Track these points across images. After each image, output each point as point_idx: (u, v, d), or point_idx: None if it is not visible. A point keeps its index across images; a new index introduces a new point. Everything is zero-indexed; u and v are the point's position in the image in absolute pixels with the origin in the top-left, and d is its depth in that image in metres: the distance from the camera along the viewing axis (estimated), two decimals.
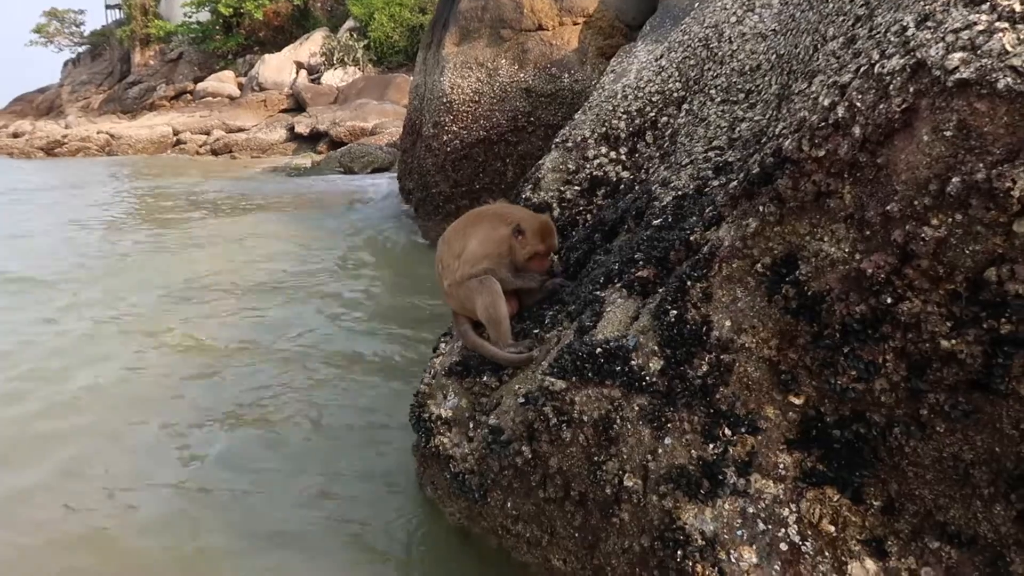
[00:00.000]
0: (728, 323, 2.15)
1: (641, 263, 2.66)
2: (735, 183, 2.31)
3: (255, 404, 4.23)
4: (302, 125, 23.83)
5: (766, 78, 3.37)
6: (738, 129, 3.27)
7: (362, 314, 5.86)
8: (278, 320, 5.67)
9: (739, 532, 1.99)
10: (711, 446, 2.11)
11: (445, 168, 8.37)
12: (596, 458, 2.31)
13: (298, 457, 3.68)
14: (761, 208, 2.09)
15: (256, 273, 7.06)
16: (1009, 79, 1.61)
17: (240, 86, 28.69)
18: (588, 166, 4.06)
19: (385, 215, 10.51)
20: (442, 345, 3.41)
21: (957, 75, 1.69)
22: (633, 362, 2.31)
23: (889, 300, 1.81)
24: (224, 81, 29.09)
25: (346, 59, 27.78)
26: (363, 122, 22.28)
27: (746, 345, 2.11)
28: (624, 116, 4.09)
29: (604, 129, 4.13)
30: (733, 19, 3.81)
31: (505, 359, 2.89)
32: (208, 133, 25.21)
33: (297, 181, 15.56)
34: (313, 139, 23.35)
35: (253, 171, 18.00)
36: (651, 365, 2.28)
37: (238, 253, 7.94)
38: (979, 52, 1.69)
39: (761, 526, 1.98)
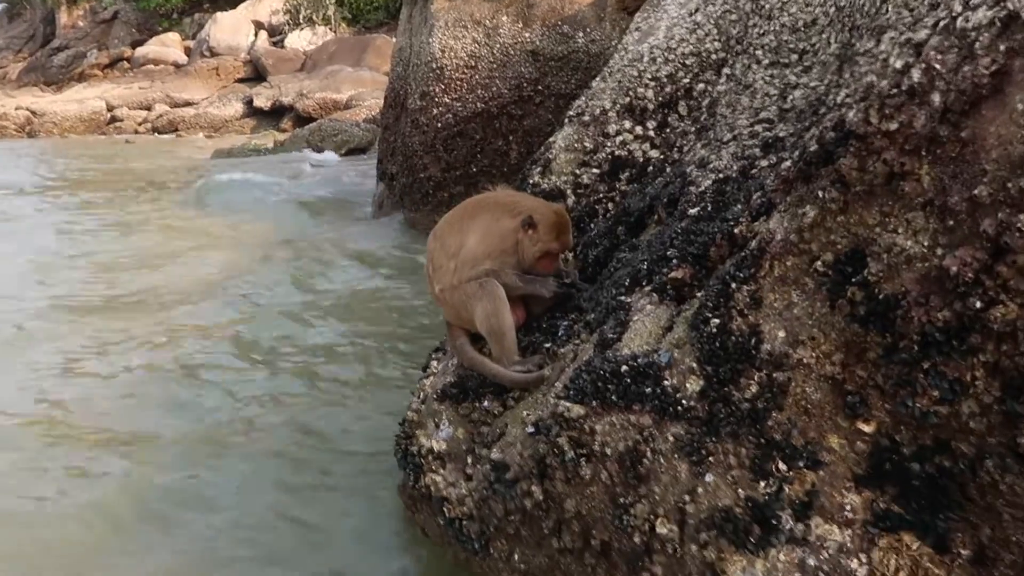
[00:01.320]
0: (782, 334, 2.15)
1: (675, 261, 2.65)
2: (788, 163, 2.30)
3: (214, 426, 4.45)
4: (262, 98, 23.92)
5: (823, 35, 3.37)
6: (790, 98, 3.27)
7: (332, 327, 5.98)
8: (228, 336, 5.85)
9: None
10: (762, 484, 2.11)
11: (435, 148, 8.39)
12: (622, 500, 2.31)
13: (260, 499, 3.75)
14: (820, 193, 2.08)
15: (201, 288, 7.11)
16: None
17: (187, 51, 28.86)
18: (609, 144, 4.09)
19: (363, 202, 10.64)
20: (433, 363, 3.42)
21: None
22: (666, 382, 2.31)
23: (978, 304, 1.81)
24: (168, 45, 29.27)
25: (315, 17, 27.92)
26: (335, 93, 22.35)
27: (804, 361, 2.10)
28: (652, 83, 4.11)
29: (628, 99, 4.14)
30: None
31: (510, 379, 2.89)
32: (149, 108, 25.34)
33: (252, 165, 15.63)
34: (276, 114, 23.42)
35: (203, 155, 18.08)
36: (688, 386, 2.27)
37: (178, 268, 7.93)
38: None
39: None
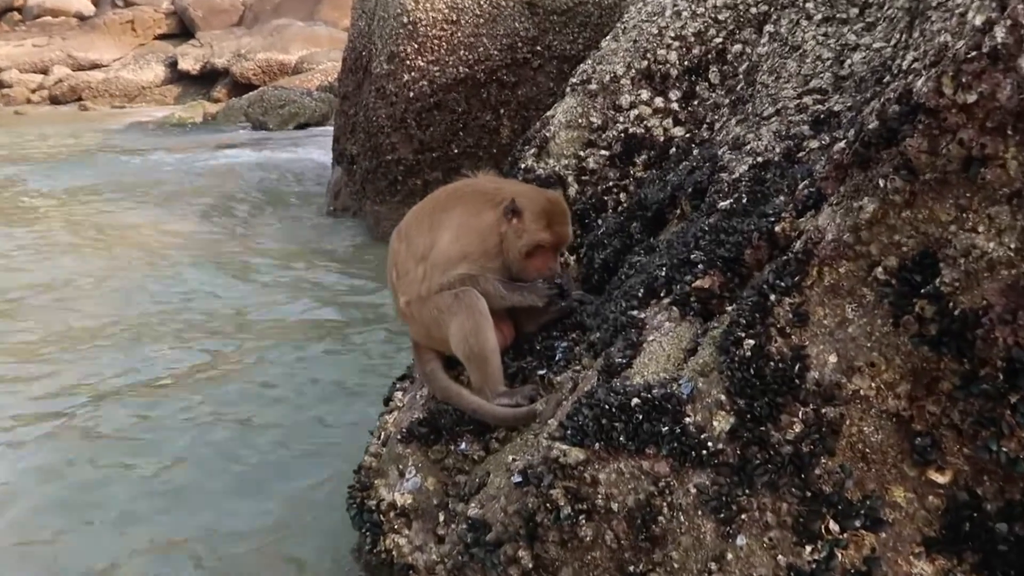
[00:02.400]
0: (833, 359, 2.15)
1: (701, 267, 2.66)
2: (843, 144, 2.31)
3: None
4: (189, 59, 23.97)
5: None
6: (848, 62, 3.29)
7: (269, 359, 6.03)
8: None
9: None
10: (808, 549, 2.11)
11: (406, 123, 8.40)
12: (632, 568, 2.30)
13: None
14: (882, 182, 2.08)
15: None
16: None
17: (95, 1, 28.89)
18: (622, 120, 4.08)
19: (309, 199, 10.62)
20: (397, 395, 3.41)
21: None
22: (688, 419, 2.31)
23: None
24: None
25: None
26: (282, 54, 22.42)
27: (861, 392, 2.10)
28: (676, 44, 4.11)
29: (646, 64, 4.14)
30: None
31: (494, 415, 2.90)
32: (46, 71, 25.36)
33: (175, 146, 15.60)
34: (206, 80, 23.47)
35: (113, 131, 18.06)
36: (716, 424, 2.27)
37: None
38: None
39: None
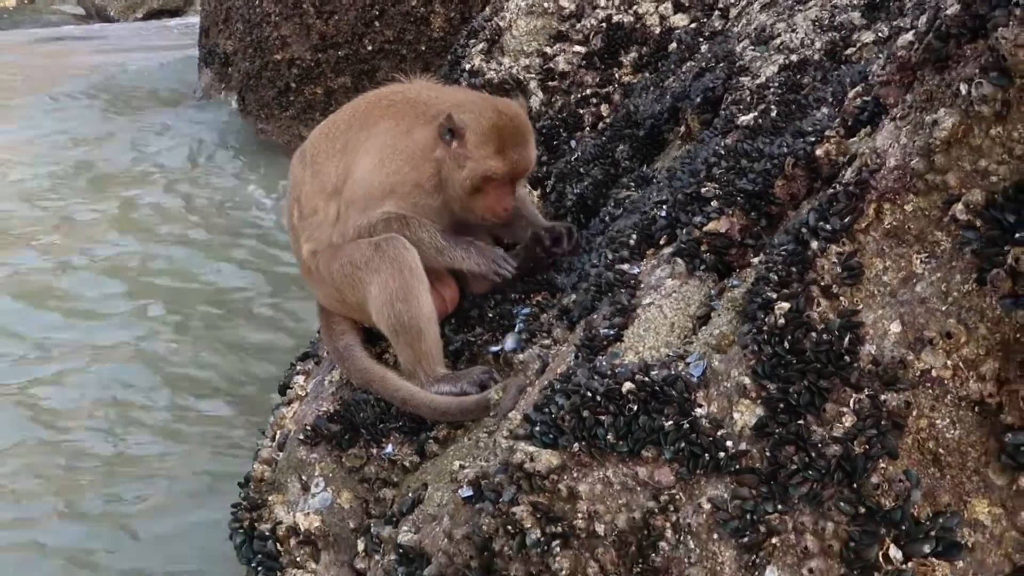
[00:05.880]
0: (896, 328, 2.16)
1: (715, 204, 2.65)
2: (910, 36, 2.29)
3: None
4: None
5: None
6: None
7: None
8: None
9: None
10: None
11: (302, 8, 8.34)
12: None
13: None
14: (964, 88, 2.08)
15: None
16: None
17: None
18: (603, 3, 4.10)
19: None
20: (297, 379, 3.42)
21: None
22: (700, 411, 2.31)
23: None
24: None
25: None
26: None
27: (933, 373, 2.11)
28: None
29: None
30: None
31: (431, 406, 2.92)
32: None
33: None
34: None
35: None
36: (737, 417, 2.28)
37: None
38: None
39: None
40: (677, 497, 2.29)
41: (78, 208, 8.16)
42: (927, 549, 2.09)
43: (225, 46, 9.42)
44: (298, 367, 3.51)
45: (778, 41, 3.18)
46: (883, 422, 2.14)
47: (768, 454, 2.23)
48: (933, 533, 2.09)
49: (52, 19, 16.67)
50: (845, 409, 2.18)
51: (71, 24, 16.35)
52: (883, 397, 2.15)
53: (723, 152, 2.81)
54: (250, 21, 8.72)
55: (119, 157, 9.34)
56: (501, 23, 4.17)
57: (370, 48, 8.28)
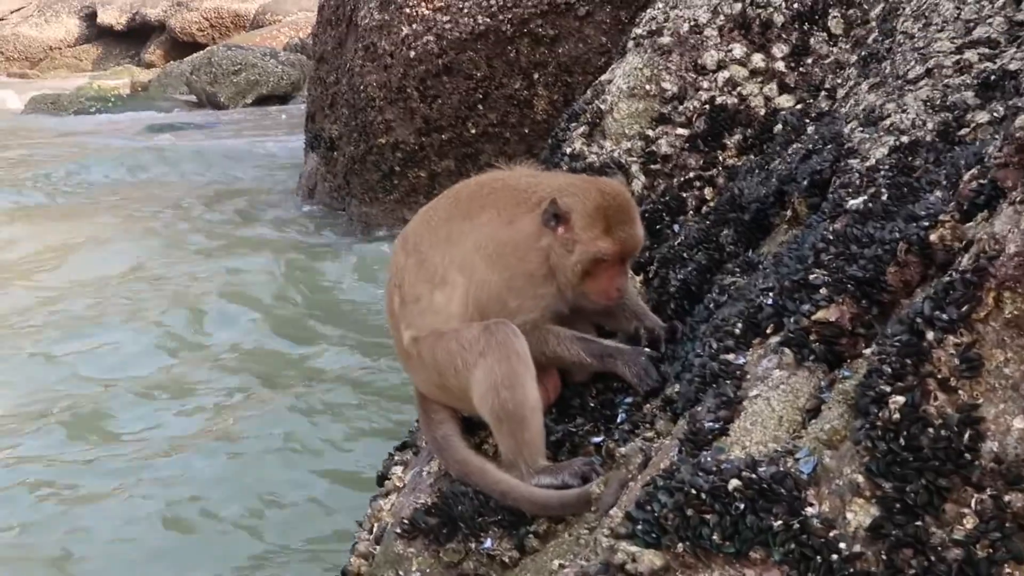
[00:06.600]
0: (1019, 423, 2.10)
1: (824, 292, 2.63)
2: None
3: None
4: (112, 9, 24.34)
5: None
6: None
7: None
8: None
9: None
10: None
11: (406, 93, 8.52)
12: None
13: None
14: None
15: None
16: None
17: None
18: (706, 85, 4.10)
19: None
20: (396, 470, 3.42)
21: None
22: (811, 510, 2.26)
23: None
24: None
25: None
26: (238, 1, 22.69)
27: None
28: None
29: (740, 6, 4.17)
30: None
31: (531, 500, 2.90)
32: None
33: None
34: (135, 37, 23.82)
35: (9, 110, 18.34)
36: (851, 517, 2.22)
37: None
38: None
39: None
40: None
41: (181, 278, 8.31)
42: None
43: (331, 131, 9.64)
44: (396, 457, 3.52)
45: (888, 122, 3.17)
46: (1007, 524, 2.08)
47: (884, 557, 2.17)
48: None
49: (162, 105, 17.20)
50: (966, 510, 2.13)
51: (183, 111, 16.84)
52: (1007, 497, 2.09)
53: (832, 237, 2.80)
54: (355, 106, 8.91)
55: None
56: (602, 106, 4.22)
57: (473, 131, 8.40)
